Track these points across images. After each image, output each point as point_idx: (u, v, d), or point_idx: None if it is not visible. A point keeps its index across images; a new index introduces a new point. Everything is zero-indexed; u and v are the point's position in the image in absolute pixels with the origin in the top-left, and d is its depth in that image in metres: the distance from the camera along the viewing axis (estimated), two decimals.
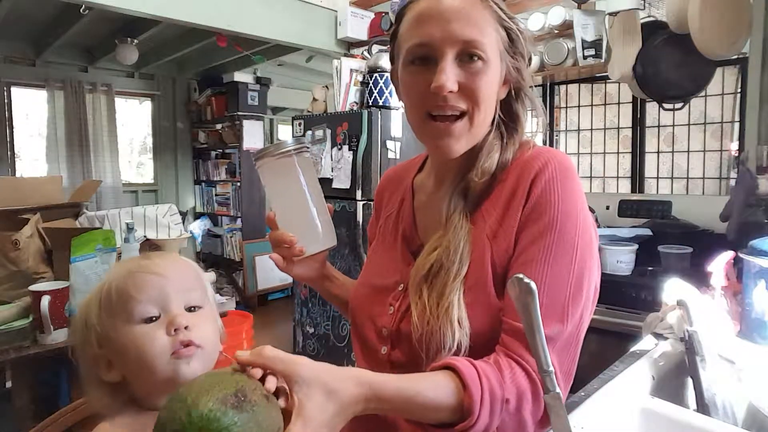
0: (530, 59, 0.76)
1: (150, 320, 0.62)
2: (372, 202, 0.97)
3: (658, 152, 2.88)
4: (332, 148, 2.88)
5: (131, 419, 0.63)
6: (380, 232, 0.89)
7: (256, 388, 0.50)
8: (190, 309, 0.65)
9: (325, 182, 2.84)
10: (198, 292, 0.67)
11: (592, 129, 3.10)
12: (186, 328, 0.61)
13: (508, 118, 0.75)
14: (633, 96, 2.75)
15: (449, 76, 0.65)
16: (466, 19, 0.65)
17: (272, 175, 0.77)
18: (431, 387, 0.58)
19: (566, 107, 3.18)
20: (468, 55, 0.66)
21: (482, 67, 0.67)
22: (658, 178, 2.91)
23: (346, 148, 2.79)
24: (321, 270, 0.87)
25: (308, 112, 3.29)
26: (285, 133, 6.25)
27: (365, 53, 3.04)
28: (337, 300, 0.91)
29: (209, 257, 5.21)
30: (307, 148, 0.79)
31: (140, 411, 0.63)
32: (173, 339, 0.61)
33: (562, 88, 3.15)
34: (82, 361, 0.65)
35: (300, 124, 3.12)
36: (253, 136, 4.75)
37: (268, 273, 4.66)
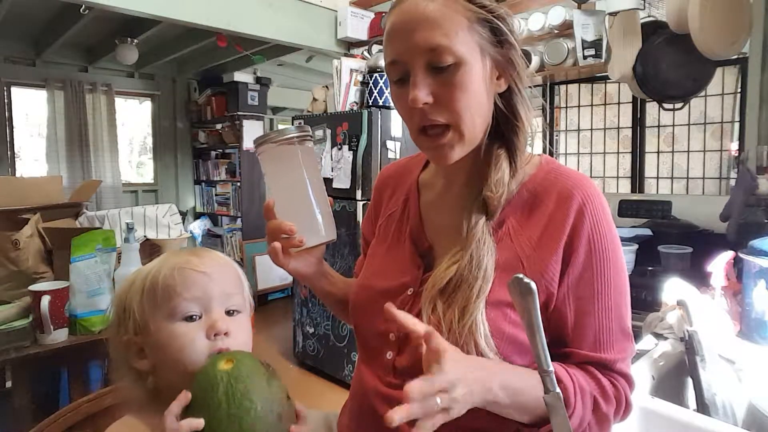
0: (529, 57, 0.74)
1: (191, 318, 0.62)
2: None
3: (658, 152, 2.88)
4: (332, 148, 2.88)
5: (157, 419, 0.62)
6: (380, 230, 0.86)
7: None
8: (230, 312, 0.65)
9: (325, 182, 2.84)
10: (239, 297, 0.67)
11: (592, 129, 3.10)
12: (226, 334, 0.62)
13: (508, 114, 0.71)
14: (633, 96, 2.75)
15: (421, 88, 0.64)
16: (430, 24, 0.63)
17: (273, 162, 0.75)
18: (528, 372, 0.64)
19: (566, 107, 3.18)
20: (436, 61, 0.63)
21: (456, 71, 0.64)
22: (658, 178, 2.91)
23: (346, 148, 2.79)
24: (317, 266, 0.83)
25: (308, 112, 3.29)
26: None
27: (365, 53, 3.04)
28: (332, 298, 0.89)
29: None
30: (311, 136, 0.76)
31: (165, 405, 0.62)
32: (212, 344, 0.61)
33: (562, 88, 3.15)
34: (113, 345, 0.65)
35: (300, 124, 3.11)
36: (253, 136, 4.73)
37: (268, 273, 4.66)
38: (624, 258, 0.71)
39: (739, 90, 2.54)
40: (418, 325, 0.59)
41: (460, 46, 0.63)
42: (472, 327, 0.63)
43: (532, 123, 0.73)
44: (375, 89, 2.77)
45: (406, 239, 0.79)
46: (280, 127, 0.77)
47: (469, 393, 0.56)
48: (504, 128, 0.72)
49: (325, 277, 0.87)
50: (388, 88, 2.72)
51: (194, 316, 0.62)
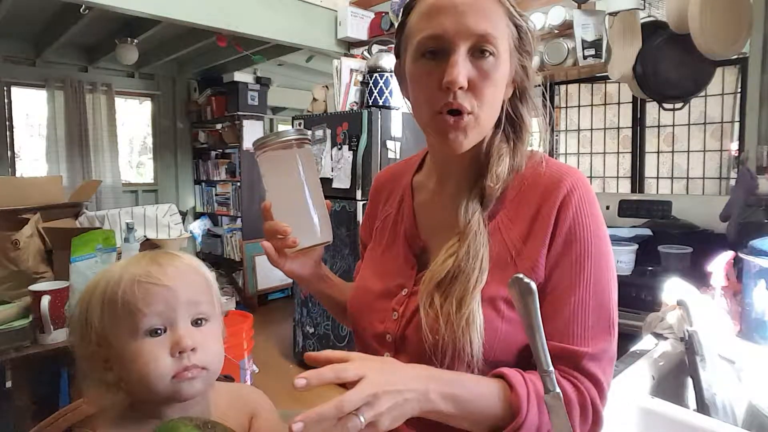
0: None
1: (155, 333, 0.59)
2: None
3: (658, 152, 2.88)
4: (332, 148, 2.88)
5: (132, 430, 0.62)
6: (376, 233, 0.86)
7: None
8: (197, 321, 0.63)
9: (325, 182, 2.84)
10: (206, 304, 0.64)
11: (592, 129, 3.10)
12: (193, 350, 0.59)
13: (514, 118, 0.73)
14: (633, 96, 2.75)
15: (461, 70, 0.63)
16: (480, 12, 0.64)
17: (271, 164, 0.76)
18: (480, 381, 0.62)
19: (566, 107, 3.18)
20: (480, 49, 0.64)
21: (493, 63, 0.65)
22: (658, 178, 2.91)
23: (346, 148, 2.79)
24: (315, 269, 0.83)
25: (308, 112, 3.29)
26: None
27: (365, 53, 3.04)
28: (330, 301, 0.89)
29: (209, 257, 5.21)
30: (308, 139, 0.77)
31: (138, 420, 0.62)
32: (177, 361, 0.59)
33: (562, 88, 3.15)
34: (79, 357, 0.63)
35: (300, 124, 3.12)
36: (253, 136, 4.74)
37: (268, 273, 4.66)
38: (611, 254, 0.68)
39: (739, 90, 2.54)
40: (331, 356, 0.58)
41: (501, 40, 0.66)
42: (469, 318, 0.63)
43: (533, 125, 0.74)
44: (375, 89, 2.77)
45: (401, 240, 0.80)
46: (280, 128, 0.77)
47: (402, 402, 0.55)
48: (509, 127, 0.73)
49: (323, 279, 0.86)
50: (388, 88, 2.75)
51: (158, 330, 0.59)
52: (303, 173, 0.76)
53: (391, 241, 0.82)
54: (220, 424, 0.58)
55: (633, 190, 2.85)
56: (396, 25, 3.34)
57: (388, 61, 2.74)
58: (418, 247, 0.77)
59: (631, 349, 1.15)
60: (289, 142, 0.74)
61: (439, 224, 0.76)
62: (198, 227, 5.30)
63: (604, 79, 2.81)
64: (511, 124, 0.73)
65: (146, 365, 0.58)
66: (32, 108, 4.54)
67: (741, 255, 1.27)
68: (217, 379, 0.67)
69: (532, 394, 0.60)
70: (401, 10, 0.73)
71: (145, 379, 0.58)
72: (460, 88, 0.63)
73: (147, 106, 5.29)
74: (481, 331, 0.63)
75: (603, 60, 2.34)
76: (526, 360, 0.66)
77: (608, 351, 0.65)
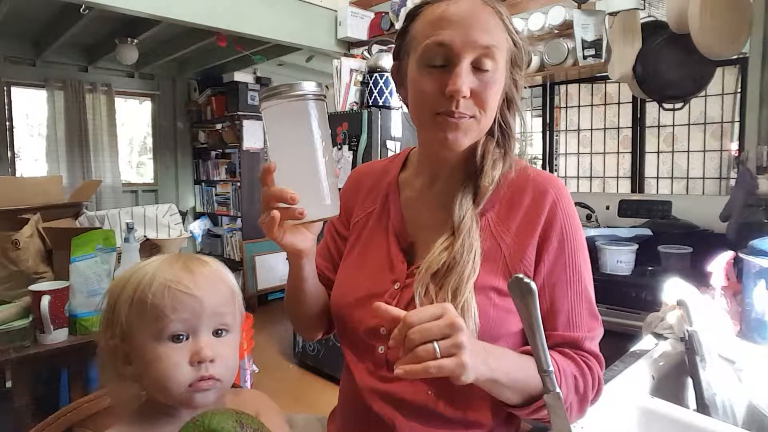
0: (529, 63, 0.77)
1: (177, 339, 0.60)
2: None
3: (658, 152, 2.88)
4: (332, 147, 2.88)
5: (148, 425, 0.63)
6: (356, 227, 0.86)
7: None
8: (218, 332, 0.63)
9: None
10: (229, 315, 0.65)
11: (592, 129, 3.10)
12: (211, 361, 0.61)
13: (503, 126, 0.78)
14: (633, 96, 2.75)
15: (465, 81, 0.67)
16: (484, 26, 0.68)
17: (280, 120, 0.65)
18: (521, 356, 0.67)
19: (566, 107, 3.18)
20: (483, 61, 0.69)
21: (493, 75, 0.70)
22: (658, 178, 2.91)
23: (346, 147, 2.79)
24: (312, 243, 0.74)
25: None
26: None
27: (365, 53, 3.04)
28: (308, 283, 0.79)
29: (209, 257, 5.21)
30: (324, 95, 0.68)
31: (152, 418, 0.63)
32: (195, 370, 0.60)
33: (562, 88, 3.15)
34: (101, 348, 0.64)
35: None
36: (253, 135, 4.75)
37: (268, 273, 4.66)
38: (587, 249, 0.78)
39: (739, 90, 2.54)
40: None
41: (501, 53, 0.71)
42: (464, 307, 0.67)
43: (517, 131, 0.81)
44: (375, 89, 2.77)
45: (389, 236, 0.81)
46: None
47: (474, 355, 0.57)
48: (499, 134, 0.79)
49: (312, 259, 0.78)
50: (388, 88, 2.75)
51: (181, 336, 0.61)
52: (317, 132, 0.65)
53: (373, 236, 0.83)
54: (267, 428, 0.58)
55: (633, 190, 2.85)
56: (396, 24, 3.32)
57: (388, 61, 2.73)
58: (406, 242, 0.80)
59: (631, 349, 1.15)
60: (303, 95, 0.64)
61: (426, 221, 0.79)
62: (198, 227, 5.30)
63: (604, 79, 2.82)
64: (500, 131, 0.78)
65: (165, 370, 0.59)
66: (32, 108, 4.54)
67: (741, 255, 1.27)
68: None
69: (560, 368, 0.68)
70: (404, 16, 0.76)
71: (161, 382, 0.60)
72: (463, 97, 0.68)
73: (147, 106, 5.29)
74: (476, 319, 0.67)
75: (603, 60, 2.34)
76: (514, 346, 0.72)
77: (600, 330, 0.76)
